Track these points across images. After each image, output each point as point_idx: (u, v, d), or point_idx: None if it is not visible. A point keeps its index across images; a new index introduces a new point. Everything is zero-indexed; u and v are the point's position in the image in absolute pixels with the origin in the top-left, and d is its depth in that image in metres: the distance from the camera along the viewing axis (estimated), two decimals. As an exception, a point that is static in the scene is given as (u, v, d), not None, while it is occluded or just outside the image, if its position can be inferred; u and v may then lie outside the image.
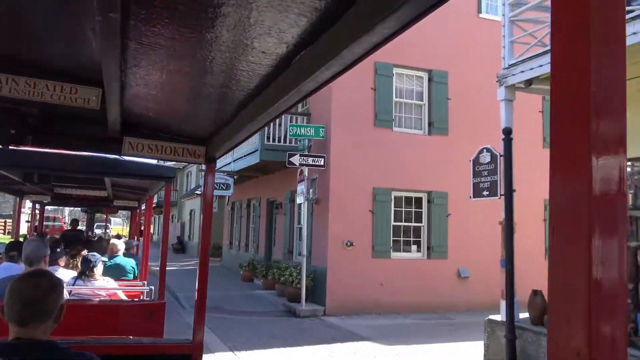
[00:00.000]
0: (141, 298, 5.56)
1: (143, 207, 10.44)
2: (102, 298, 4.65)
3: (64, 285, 3.55)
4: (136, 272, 6.58)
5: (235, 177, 15.46)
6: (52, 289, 1.67)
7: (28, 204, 12.14)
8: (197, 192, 28.65)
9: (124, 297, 5.00)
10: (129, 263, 6.51)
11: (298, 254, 14.00)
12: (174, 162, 5.35)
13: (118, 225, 55.14)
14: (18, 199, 9.55)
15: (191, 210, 31.79)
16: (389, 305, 11.84)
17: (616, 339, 0.64)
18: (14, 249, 4.82)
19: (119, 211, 23.31)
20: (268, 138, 12.97)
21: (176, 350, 3.04)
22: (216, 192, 15.02)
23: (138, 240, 10.36)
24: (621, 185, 0.65)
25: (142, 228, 10.69)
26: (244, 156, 14.47)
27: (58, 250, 5.41)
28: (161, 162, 5.06)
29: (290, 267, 12.53)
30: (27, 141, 2.78)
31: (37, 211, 11.42)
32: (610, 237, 0.64)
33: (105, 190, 7.53)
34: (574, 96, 0.64)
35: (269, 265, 14.64)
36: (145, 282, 6.18)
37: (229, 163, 15.81)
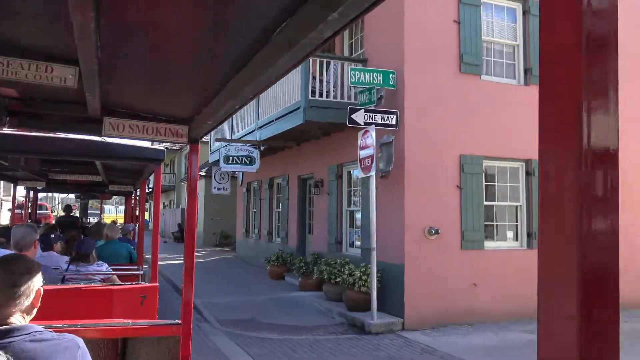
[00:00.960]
0: (138, 282, 5.55)
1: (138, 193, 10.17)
2: (96, 283, 4.74)
3: (59, 270, 4.56)
4: (133, 257, 6.50)
5: (261, 147, 12.19)
6: (28, 273, 1.64)
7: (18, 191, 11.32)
8: (200, 172, 25.37)
9: (118, 282, 4.98)
10: (125, 248, 6.52)
11: (349, 245, 10.84)
12: (169, 144, 5.80)
13: (110, 214, 51.45)
14: (13, 185, 9.32)
15: (197, 193, 28.55)
16: (485, 313, 8.76)
17: (607, 304, 0.65)
18: (2, 235, 5.21)
19: (113, 197, 22.81)
20: (313, 92, 9.70)
21: (165, 332, 3.05)
22: (237, 168, 11.87)
23: (133, 225, 9.92)
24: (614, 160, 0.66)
25: (137, 213, 10.64)
26: (275, 120, 11.19)
27: (52, 236, 5.36)
28: (156, 145, 6.00)
29: (348, 264, 9.37)
30: (3, 122, 2.78)
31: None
32: (602, 211, 0.65)
33: (99, 174, 7.23)
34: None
35: (312, 260, 11.49)
36: (141, 267, 6.16)
37: (253, 130, 12.54)
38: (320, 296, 10.50)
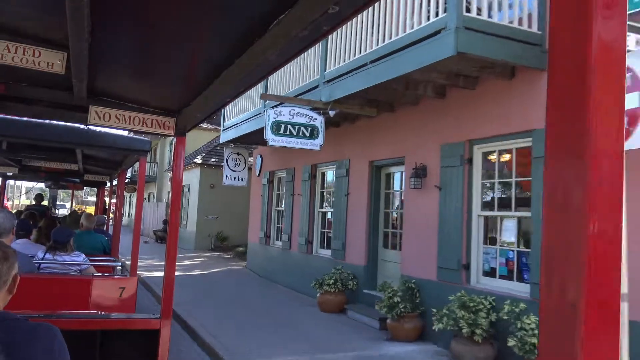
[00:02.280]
0: (112, 274, 5.50)
1: (115, 183, 9.43)
2: (73, 273, 4.61)
3: (34, 258, 4.48)
4: (107, 248, 6.40)
5: (330, 113, 7.80)
6: (4, 259, 1.57)
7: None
8: (195, 160, 20.79)
9: (95, 273, 4.91)
10: (100, 239, 6.45)
11: (483, 274, 6.62)
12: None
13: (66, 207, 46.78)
14: None
15: (182, 187, 23.91)
16: None
17: (611, 292, 0.63)
18: None
19: (84, 188, 20.61)
20: (468, 9, 5.49)
21: (144, 326, 2.99)
22: (291, 142, 7.55)
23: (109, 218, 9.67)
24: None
25: (107, 206, 11.09)
26: (368, 65, 6.91)
27: (30, 223, 5.62)
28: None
29: (519, 312, 5.16)
30: None
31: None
32: (608, 191, 0.63)
33: (77, 163, 6.69)
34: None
35: (406, 290, 7.26)
36: (118, 259, 6.12)
37: (316, 87, 8.20)
38: (434, 353, 6.28)
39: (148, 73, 2.47)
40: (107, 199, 12.09)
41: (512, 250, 6.22)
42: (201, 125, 28.69)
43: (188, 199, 22.57)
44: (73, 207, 21.18)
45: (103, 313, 3.23)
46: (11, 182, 31.92)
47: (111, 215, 10.82)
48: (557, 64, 0.67)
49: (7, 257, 1.58)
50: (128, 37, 2.02)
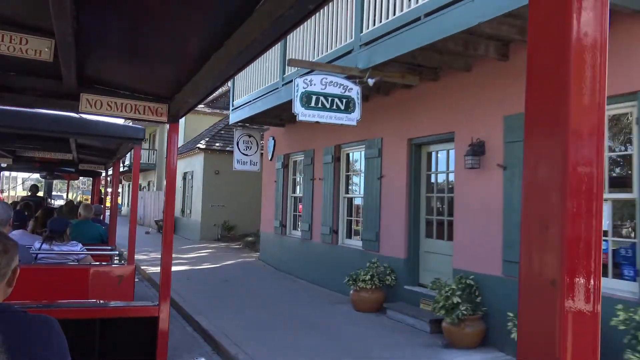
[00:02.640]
0: (110, 263, 5.42)
1: (109, 173, 9.58)
2: (70, 262, 4.61)
3: (31, 249, 4.42)
4: (104, 237, 6.36)
5: (369, 81, 6.59)
6: (4, 252, 1.57)
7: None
8: (199, 145, 19.63)
9: (92, 262, 4.85)
10: (98, 228, 6.43)
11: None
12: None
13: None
14: None
15: (185, 174, 22.74)
16: None
17: (591, 269, 0.63)
18: None
19: (80, 178, 19.13)
20: None
21: (143, 313, 3.00)
22: (324, 116, 6.43)
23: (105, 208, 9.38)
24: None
25: (103, 196, 10.77)
26: (440, 11, 5.75)
27: (26, 214, 5.80)
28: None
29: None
30: None
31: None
32: (586, 164, 0.63)
33: (71, 153, 6.68)
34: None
35: (465, 288, 6.18)
36: (114, 247, 6.10)
37: (349, 52, 6.99)
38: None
39: (137, 58, 2.44)
40: (102, 189, 11.61)
41: (606, 241, 5.11)
42: (202, 109, 27.46)
43: (191, 187, 21.41)
44: (70, 197, 20.97)
45: (101, 302, 3.29)
46: (6, 173, 31.70)
47: (108, 205, 10.59)
48: (536, 43, 0.68)
49: (7, 249, 1.59)
50: (115, 21, 1.99)
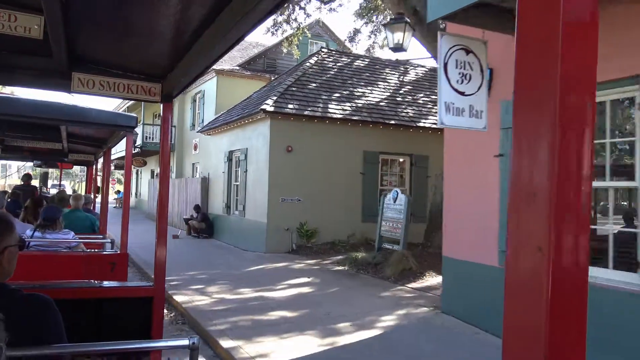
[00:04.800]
0: (101, 250, 5.48)
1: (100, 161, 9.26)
2: (62, 250, 4.66)
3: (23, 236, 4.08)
4: (96, 227, 6.40)
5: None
6: None
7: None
8: (265, 106, 12.97)
9: (84, 250, 4.96)
10: (90, 218, 6.44)
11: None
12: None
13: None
14: None
15: (232, 154, 16.14)
16: None
17: (578, 236, 0.63)
18: None
19: (74, 166, 17.74)
20: None
21: (138, 293, 3.02)
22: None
23: (95, 197, 9.45)
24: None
25: (99, 184, 10.77)
26: None
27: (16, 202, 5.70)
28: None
29: None
30: None
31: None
32: (576, 133, 0.63)
33: (61, 142, 6.67)
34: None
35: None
36: (106, 236, 6.07)
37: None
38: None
39: (128, 36, 2.40)
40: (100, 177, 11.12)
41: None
42: (239, 71, 20.97)
43: (245, 172, 14.67)
44: (69, 185, 21.31)
45: (96, 282, 3.21)
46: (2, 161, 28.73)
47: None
48: (526, 24, 0.68)
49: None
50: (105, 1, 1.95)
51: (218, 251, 13.57)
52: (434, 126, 14.02)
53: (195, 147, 22.82)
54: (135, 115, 4.90)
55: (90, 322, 2.86)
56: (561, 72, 0.61)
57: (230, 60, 25.34)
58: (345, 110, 13.81)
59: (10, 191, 10.02)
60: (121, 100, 29.09)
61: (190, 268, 10.30)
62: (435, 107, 13.74)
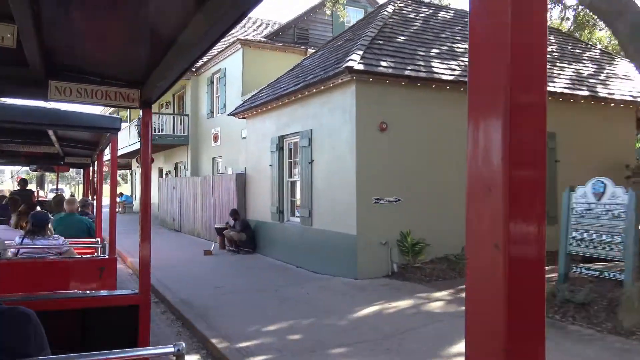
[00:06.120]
0: (95, 255, 5.44)
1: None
2: (52, 256, 4.62)
3: (12, 243, 4.45)
4: (92, 231, 6.36)
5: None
6: None
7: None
8: (349, 63, 8.81)
9: (75, 255, 4.90)
10: (85, 221, 6.40)
11: None
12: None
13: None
14: None
15: (282, 139, 12.05)
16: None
17: (533, 234, 0.64)
18: None
19: (70, 169, 16.68)
20: None
21: (123, 302, 2.98)
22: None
23: (93, 199, 9.08)
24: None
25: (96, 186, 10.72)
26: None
27: (10, 209, 5.67)
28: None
29: None
30: None
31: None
32: (528, 127, 0.64)
33: (54, 146, 6.61)
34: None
35: None
36: (99, 240, 6.01)
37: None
38: None
39: (104, 41, 2.35)
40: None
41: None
42: (268, 43, 17.10)
43: (310, 162, 10.55)
44: (65, 189, 21.58)
45: (80, 292, 3.18)
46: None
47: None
48: (478, 9, 0.68)
49: None
50: (75, 4, 1.91)
51: (279, 277, 9.38)
52: (578, 92, 10.05)
53: (216, 138, 18.76)
54: (119, 117, 4.89)
55: (75, 332, 2.87)
56: (512, 73, 0.62)
57: (254, 31, 21.13)
58: (454, 70, 9.75)
59: (8, 196, 9.75)
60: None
61: (251, 314, 6.35)
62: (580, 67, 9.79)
